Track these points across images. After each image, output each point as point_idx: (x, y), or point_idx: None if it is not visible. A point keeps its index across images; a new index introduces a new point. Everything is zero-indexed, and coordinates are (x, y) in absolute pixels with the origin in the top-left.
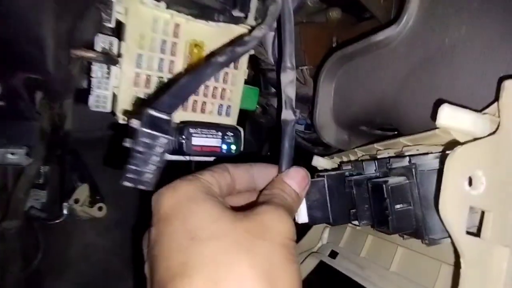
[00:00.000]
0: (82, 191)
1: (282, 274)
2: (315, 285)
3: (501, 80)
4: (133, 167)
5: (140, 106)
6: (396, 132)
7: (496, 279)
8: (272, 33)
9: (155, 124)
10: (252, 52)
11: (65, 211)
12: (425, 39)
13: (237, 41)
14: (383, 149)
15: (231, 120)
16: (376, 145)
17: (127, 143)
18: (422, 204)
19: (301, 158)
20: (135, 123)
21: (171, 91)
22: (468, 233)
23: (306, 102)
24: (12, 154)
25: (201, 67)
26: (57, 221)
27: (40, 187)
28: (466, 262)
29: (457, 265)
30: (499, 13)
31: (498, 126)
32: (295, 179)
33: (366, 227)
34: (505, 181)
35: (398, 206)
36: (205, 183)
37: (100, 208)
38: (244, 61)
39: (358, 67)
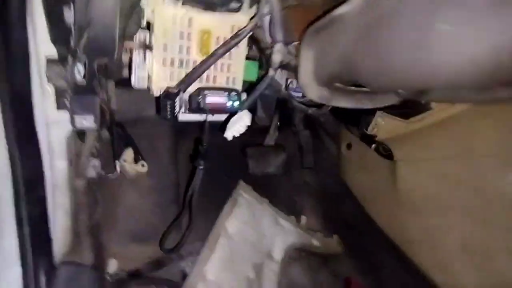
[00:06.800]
0: (128, 153)
1: None
2: None
3: None
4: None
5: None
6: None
7: None
8: (268, 17)
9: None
10: (251, 33)
11: (118, 168)
12: (372, 8)
13: (234, 35)
14: None
15: (237, 88)
16: None
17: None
18: None
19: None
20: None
21: (186, 76)
22: None
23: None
24: (86, 120)
25: (206, 58)
26: (113, 174)
27: (95, 157)
28: None
29: None
30: None
31: None
32: None
33: None
34: None
35: None
36: None
37: (142, 165)
38: (243, 41)
39: (326, 37)
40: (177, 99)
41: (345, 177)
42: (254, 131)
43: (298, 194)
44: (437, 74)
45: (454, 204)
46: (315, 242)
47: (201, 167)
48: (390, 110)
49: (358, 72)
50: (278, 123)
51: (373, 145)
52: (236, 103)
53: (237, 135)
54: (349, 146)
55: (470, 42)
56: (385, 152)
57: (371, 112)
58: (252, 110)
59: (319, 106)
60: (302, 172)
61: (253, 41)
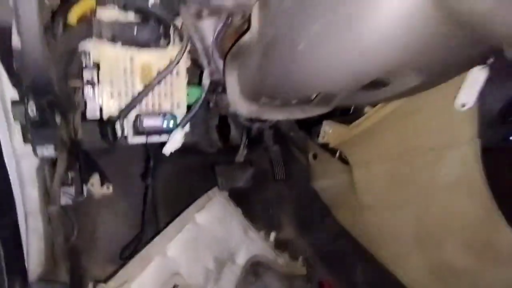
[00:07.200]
0: (95, 178)
1: None
2: None
3: None
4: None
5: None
6: None
7: None
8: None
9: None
10: (189, 63)
11: (85, 192)
12: (263, 37)
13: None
14: None
15: (181, 111)
16: None
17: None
18: None
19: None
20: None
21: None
22: None
23: None
24: (47, 149)
25: (143, 89)
26: (81, 198)
27: (69, 185)
28: None
29: None
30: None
31: None
32: None
33: None
34: None
35: None
36: None
37: (108, 187)
38: (182, 70)
39: (240, 61)
40: (117, 125)
41: (315, 185)
42: (228, 151)
43: (273, 205)
44: (307, 84)
45: (403, 200)
46: (280, 261)
47: (149, 179)
48: (337, 118)
49: (267, 90)
50: (246, 141)
51: (337, 153)
52: (171, 123)
53: (172, 150)
54: (315, 156)
55: (322, 57)
56: (346, 159)
57: (320, 122)
58: (227, 131)
59: (264, 121)
60: (275, 185)
61: (198, 67)
